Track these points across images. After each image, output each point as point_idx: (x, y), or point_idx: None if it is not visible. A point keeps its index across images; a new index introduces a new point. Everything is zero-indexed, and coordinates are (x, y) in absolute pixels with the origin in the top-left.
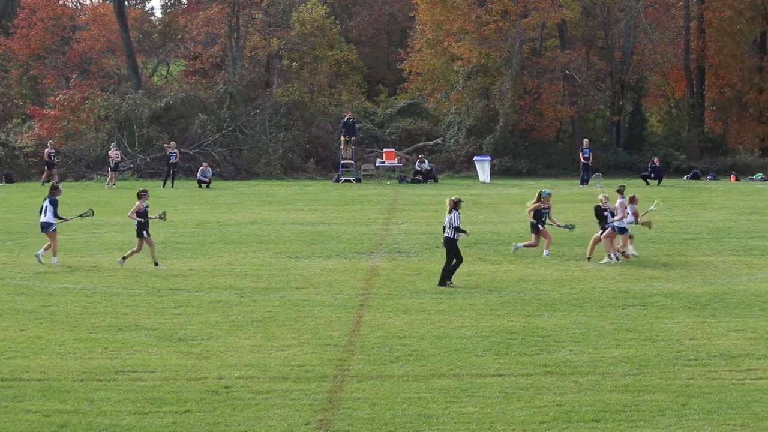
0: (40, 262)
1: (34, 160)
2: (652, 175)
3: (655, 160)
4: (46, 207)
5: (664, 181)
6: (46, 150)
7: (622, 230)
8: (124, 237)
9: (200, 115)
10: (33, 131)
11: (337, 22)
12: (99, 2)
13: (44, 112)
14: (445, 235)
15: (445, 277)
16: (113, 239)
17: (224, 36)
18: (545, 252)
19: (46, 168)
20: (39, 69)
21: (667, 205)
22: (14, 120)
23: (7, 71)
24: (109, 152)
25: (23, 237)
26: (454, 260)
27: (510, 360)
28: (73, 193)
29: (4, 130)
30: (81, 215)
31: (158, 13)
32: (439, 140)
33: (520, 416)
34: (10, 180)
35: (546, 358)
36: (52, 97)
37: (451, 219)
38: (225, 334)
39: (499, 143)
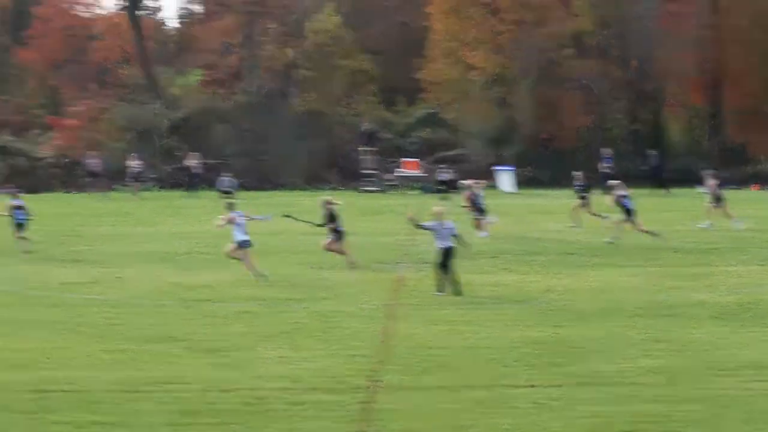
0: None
1: (56, 170)
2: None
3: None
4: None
5: (685, 190)
6: (88, 161)
7: None
8: (149, 247)
9: (220, 125)
10: (53, 142)
11: (352, 31)
12: (113, 12)
13: (64, 122)
14: (448, 244)
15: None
16: (137, 250)
17: (240, 46)
18: None
19: (90, 178)
20: (57, 79)
21: (688, 215)
22: (34, 130)
23: (25, 81)
24: (129, 162)
25: (46, 248)
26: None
27: (540, 371)
28: (95, 204)
29: (25, 140)
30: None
31: (172, 23)
32: (460, 150)
33: (553, 427)
34: (32, 191)
35: (576, 369)
36: (70, 108)
37: (451, 228)
38: (253, 345)
39: (520, 153)
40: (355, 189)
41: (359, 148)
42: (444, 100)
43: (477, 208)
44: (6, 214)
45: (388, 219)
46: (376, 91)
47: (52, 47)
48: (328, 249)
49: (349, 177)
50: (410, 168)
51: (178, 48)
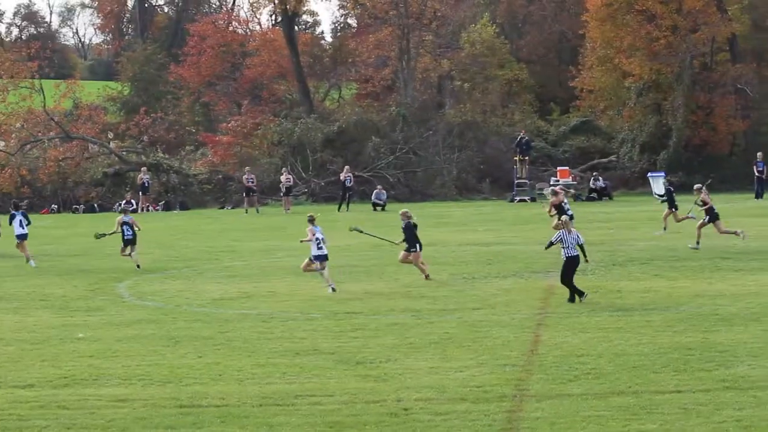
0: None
1: (208, 186)
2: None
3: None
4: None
5: None
6: (243, 177)
7: None
8: (300, 261)
9: (373, 138)
10: (206, 158)
11: (507, 41)
12: (268, 28)
13: (217, 138)
14: (575, 253)
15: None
16: (289, 264)
17: (395, 58)
18: None
19: (245, 195)
20: (210, 96)
21: None
22: (187, 147)
23: (178, 99)
24: (281, 177)
25: (199, 264)
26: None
27: (688, 376)
28: (247, 218)
29: (178, 157)
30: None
31: (328, 38)
32: (612, 157)
33: None
34: (184, 207)
35: (724, 374)
36: (224, 124)
37: (576, 237)
38: (403, 357)
39: (673, 159)
40: (507, 199)
41: (513, 158)
42: (598, 107)
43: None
44: (116, 230)
45: (540, 228)
46: (531, 99)
47: (207, 64)
48: (403, 261)
49: (502, 187)
50: (563, 176)
51: (333, 62)
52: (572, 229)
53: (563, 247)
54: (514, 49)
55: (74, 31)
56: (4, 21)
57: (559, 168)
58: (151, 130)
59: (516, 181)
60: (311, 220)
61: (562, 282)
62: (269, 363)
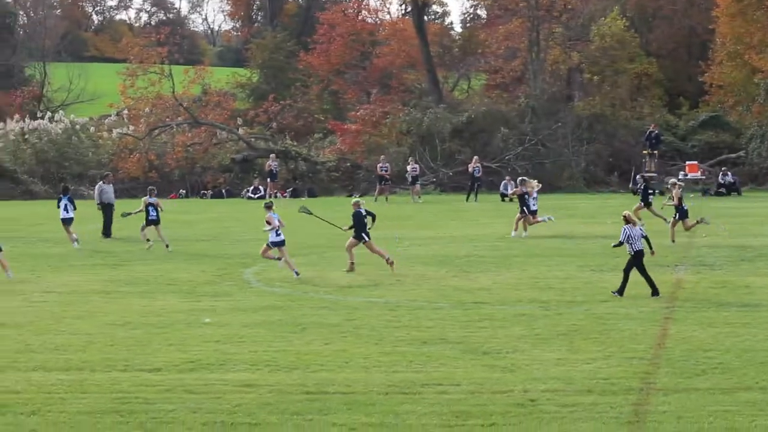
0: None
1: (336, 174)
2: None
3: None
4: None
5: None
6: (378, 165)
7: None
8: (428, 250)
9: (502, 128)
10: (334, 146)
11: (637, 35)
12: (398, 18)
13: (345, 126)
14: (639, 247)
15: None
16: (415, 253)
17: (524, 50)
18: None
19: (378, 183)
20: (339, 84)
21: None
22: (315, 135)
23: (307, 87)
24: (407, 166)
25: (327, 251)
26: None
27: None
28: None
29: (306, 145)
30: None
31: (457, 28)
32: (741, 153)
33: None
34: (312, 194)
35: None
36: (353, 112)
37: (640, 230)
38: (530, 347)
39: None
40: (633, 192)
41: (643, 152)
42: (727, 102)
43: (681, 208)
44: (141, 210)
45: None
46: (660, 94)
47: (336, 52)
48: (348, 250)
49: (630, 180)
50: (692, 171)
51: (462, 52)
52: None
53: (629, 243)
54: (644, 43)
55: (203, 17)
56: (134, 7)
57: (687, 162)
58: (280, 117)
59: (644, 175)
60: (269, 207)
61: (624, 271)
62: (396, 351)
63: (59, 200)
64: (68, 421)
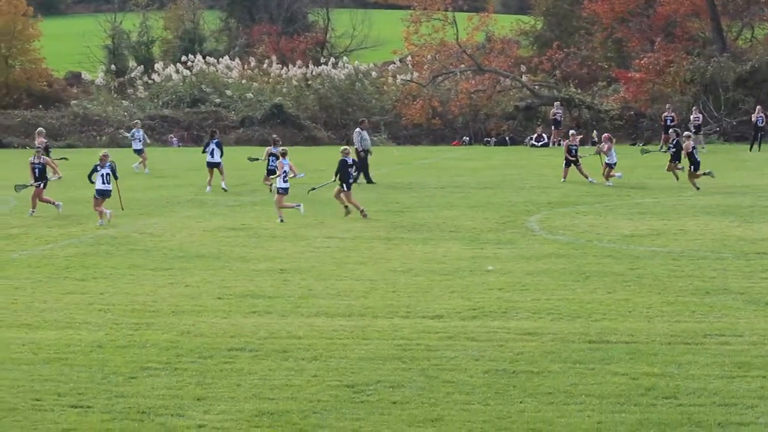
0: None
1: (620, 123)
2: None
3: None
4: None
5: None
6: (663, 114)
7: None
8: (711, 200)
9: None
10: (618, 94)
11: None
12: None
13: (629, 75)
14: None
15: None
16: (699, 203)
17: None
18: None
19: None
20: (623, 32)
21: None
22: (599, 83)
23: (591, 34)
24: (690, 116)
25: (610, 200)
26: None
27: None
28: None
29: (590, 93)
30: None
31: None
32: None
33: None
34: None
35: None
36: (636, 60)
37: None
38: None
39: None
40: None
41: None
42: None
43: None
44: (263, 159)
45: None
46: None
47: (621, 0)
48: (336, 197)
49: None
50: None
51: (746, 1)
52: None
53: None
54: None
55: None
56: None
57: None
58: (564, 65)
59: None
60: (284, 154)
61: None
62: (678, 301)
63: (207, 145)
64: (349, 367)
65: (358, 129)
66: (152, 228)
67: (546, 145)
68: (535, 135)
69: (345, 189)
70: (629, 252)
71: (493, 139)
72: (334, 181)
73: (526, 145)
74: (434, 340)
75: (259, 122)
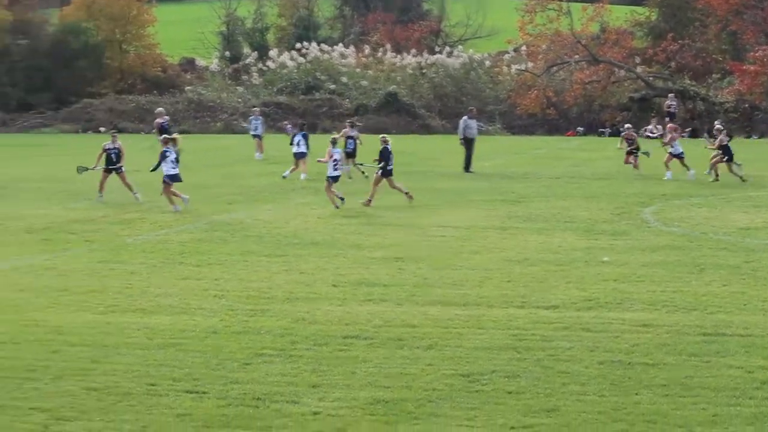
0: None
1: (734, 115)
2: None
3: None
4: None
5: None
6: None
7: None
8: None
9: None
10: (733, 87)
11: None
12: None
13: (744, 67)
14: None
15: None
16: None
17: None
18: None
19: None
20: (738, 24)
21: None
22: (714, 75)
23: (706, 26)
24: None
25: (726, 192)
26: None
27: None
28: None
29: (704, 85)
30: None
31: None
32: None
33: None
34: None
35: None
36: (751, 53)
37: None
38: None
39: None
40: None
41: None
42: None
43: None
44: (341, 137)
45: None
46: None
47: None
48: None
49: None
50: None
51: None
52: None
53: None
54: None
55: None
56: None
57: None
58: (679, 56)
59: None
60: (333, 142)
61: None
62: None
63: (293, 136)
64: (465, 356)
65: (465, 117)
66: (266, 214)
67: (660, 136)
68: (650, 126)
69: (384, 175)
70: (744, 245)
71: (608, 129)
72: (380, 166)
73: (641, 136)
74: (549, 330)
75: (373, 110)
